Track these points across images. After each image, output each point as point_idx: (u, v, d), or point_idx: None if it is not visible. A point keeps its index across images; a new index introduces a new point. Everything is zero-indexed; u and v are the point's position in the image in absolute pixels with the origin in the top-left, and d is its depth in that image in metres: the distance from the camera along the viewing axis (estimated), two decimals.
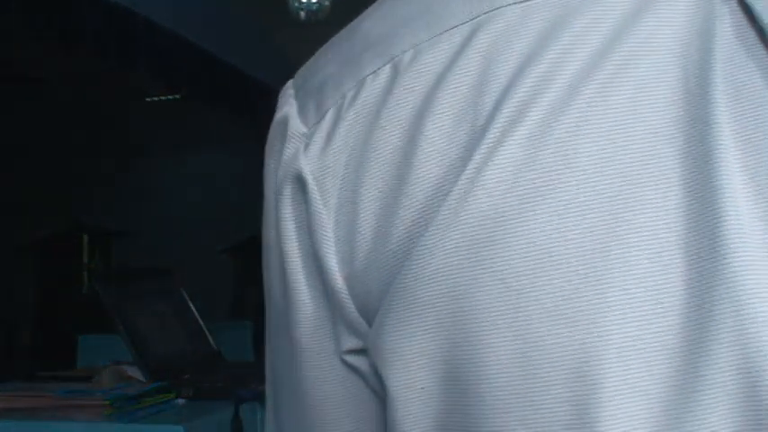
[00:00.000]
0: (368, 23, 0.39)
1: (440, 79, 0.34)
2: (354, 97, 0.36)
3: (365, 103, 0.36)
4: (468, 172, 0.32)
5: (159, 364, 1.94)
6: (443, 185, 0.33)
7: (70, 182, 7.32)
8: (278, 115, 0.39)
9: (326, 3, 4.23)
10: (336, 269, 0.36)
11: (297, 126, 0.38)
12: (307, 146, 0.37)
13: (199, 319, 2.24)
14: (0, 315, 6.52)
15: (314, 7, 4.25)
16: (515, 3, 0.34)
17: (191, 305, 2.25)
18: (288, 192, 0.38)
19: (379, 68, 0.36)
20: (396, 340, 0.33)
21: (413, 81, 0.35)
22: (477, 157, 0.32)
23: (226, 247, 6.45)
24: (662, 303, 0.29)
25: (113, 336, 2.01)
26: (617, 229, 0.30)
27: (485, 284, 0.31)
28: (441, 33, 0.35)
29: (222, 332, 2.47)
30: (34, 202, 7.09)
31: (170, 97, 5.93)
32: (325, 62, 0.39)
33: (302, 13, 4.29)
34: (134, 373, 1.92)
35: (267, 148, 0.39)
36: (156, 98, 6.32)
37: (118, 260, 7.08)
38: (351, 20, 0.40)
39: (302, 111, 0.38)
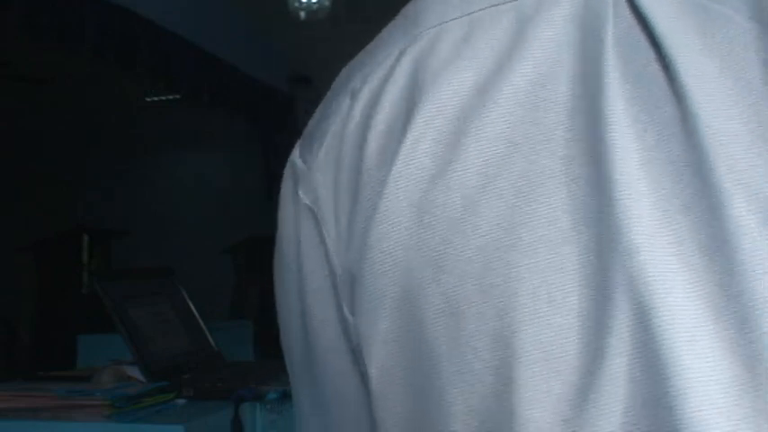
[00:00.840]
0: (352, 62, 0.45)
1: (373, 103, 0.41)
2: (328, 129, 0.43)
3: (334, 131, 0.43)
4: (393, 172, 0.38)
5: (159, 364, 1.94)
6: (379, 186, 0.39)
7: (70, 182, 7.32)
8: (289, 158, 0.46)
9: (326, 3, 4.23)
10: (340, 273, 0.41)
11: (300, 165, 0.45)
12: (304, 180, 0.44)
13: (199, 319, 2.24)
14: (0, 315, 6.52)
15: (314, 7, 4.25)
16: (431, 27, 0.41)
17: (191, 305, 2.25)
18: (305, 223, 0.43)
19: (342, 101, 0.43)
20: (367, 328, 0.39)
21: (360, 106, 0.42)
22: (398, 162, 0.38)
23: (226, 247, 6.44)
24: (564, 271, 0.34)
25: (113, 336, 2.01)
26: (521, 216, 0.35)
27: (418, 270, 0.37)
28: (380, 62, 0.42)
29: (222, 332, 2.47)
30: (34, 202, 7.10)
31: (170, 97, 5.93)
32: (320, 106, 0.46)
33: (302, 13, 4.30)
34: (134, 373, 1.92)
35: (282, 186, 0.46)
36: (156, 98, 6.32)
37: (118, 260, 7.08)
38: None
39: (302, 152, 0.45)
